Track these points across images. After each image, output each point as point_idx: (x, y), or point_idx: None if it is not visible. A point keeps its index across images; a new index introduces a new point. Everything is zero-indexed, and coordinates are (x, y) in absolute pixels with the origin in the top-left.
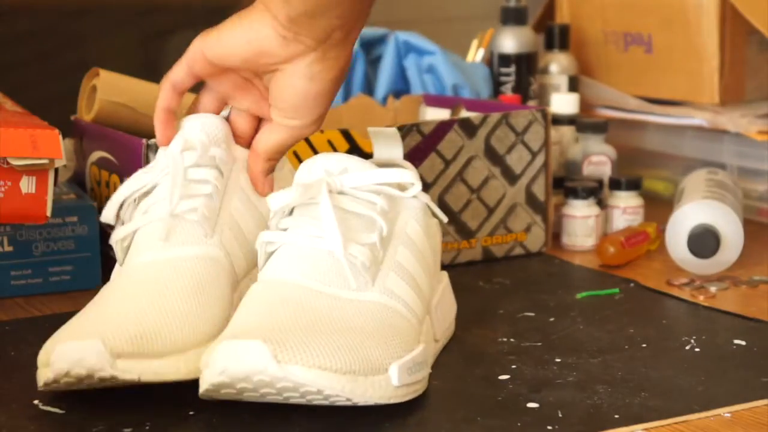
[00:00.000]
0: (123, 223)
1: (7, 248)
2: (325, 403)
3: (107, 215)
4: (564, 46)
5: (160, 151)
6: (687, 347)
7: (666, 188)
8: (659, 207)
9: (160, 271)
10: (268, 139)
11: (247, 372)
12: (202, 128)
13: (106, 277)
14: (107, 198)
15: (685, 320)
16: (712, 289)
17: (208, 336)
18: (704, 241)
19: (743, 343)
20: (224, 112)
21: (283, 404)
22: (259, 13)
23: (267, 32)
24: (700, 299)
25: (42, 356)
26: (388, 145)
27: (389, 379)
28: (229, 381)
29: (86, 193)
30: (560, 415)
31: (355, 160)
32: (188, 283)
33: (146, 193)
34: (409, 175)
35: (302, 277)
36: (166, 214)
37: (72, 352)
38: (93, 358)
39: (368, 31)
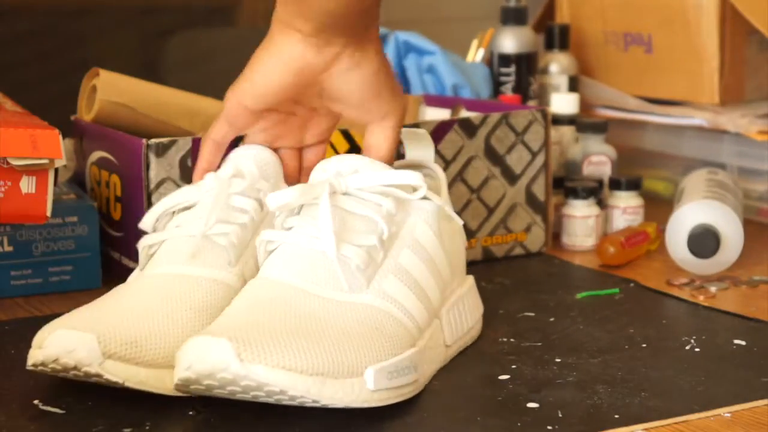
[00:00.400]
0: (155, 232)
1: (7, 248)
2: (293, 403)
3: (146, 222)
4: (564, 46)
5: (211, 174)
6: (687, 347)
7: (666, 188)
8: (659, 207)
9: (176, 285)
10: (377, 140)
11: (210, 369)
12: (254, 160)
13: (106, 277)
14: (107, 198)
15: (685, 320)
16: (712, 289)
17: None
18: (704, 241)
19: (743, 343)
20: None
21: (285, 406)
22: (284, 35)
23: (299, 49)
24: (700, 299)
25: (38, 337)
26: (419, 146)
27: (364, 383)
28: (194, 377)
29: (86, 193)
30: (560, 415)
31: (368, 161)
32: (198, 304)
33: (185, 208)
34: (415, 177)
35: (295, 278)
36: (199, 232)
37: (66, 340)
38: (84, 351)
39: None
